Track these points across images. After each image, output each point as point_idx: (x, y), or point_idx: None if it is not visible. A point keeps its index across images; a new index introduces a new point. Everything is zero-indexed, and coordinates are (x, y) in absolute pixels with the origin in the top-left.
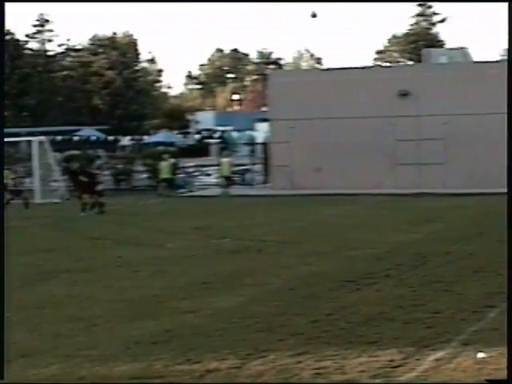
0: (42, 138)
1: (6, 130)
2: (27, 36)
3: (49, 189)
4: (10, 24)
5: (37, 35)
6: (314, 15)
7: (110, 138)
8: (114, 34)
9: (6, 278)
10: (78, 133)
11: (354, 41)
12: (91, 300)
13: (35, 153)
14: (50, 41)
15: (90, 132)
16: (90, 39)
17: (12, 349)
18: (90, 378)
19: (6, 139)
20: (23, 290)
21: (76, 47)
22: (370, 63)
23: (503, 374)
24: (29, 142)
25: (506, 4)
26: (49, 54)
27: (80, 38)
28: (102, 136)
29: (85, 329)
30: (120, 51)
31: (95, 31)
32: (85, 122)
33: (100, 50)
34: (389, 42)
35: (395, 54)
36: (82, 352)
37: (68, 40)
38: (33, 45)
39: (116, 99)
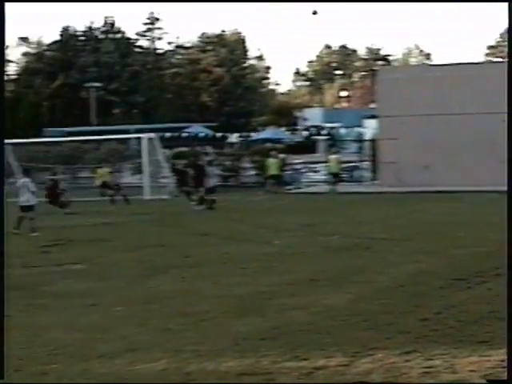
0: (152, 134)
1: (116, 128)
2: (137, 34)
3: (158, 185)
4: (121, 22)
5: (147, 33)
6: (314, 13)
7: (218, 134)
8: (223, 31)
9: (116, 272)
10: (186, 130)
11: (465, 36)
12: (199, 295)
13: (145, 150)
14: (159, 39)
15: (199, 129)
16: (199, 37)
17: (120, 343)
18: (197, 374)
19: (116, 136)
20: (132, 286)
21: (185, 45)
22: (482, 59)
23: None
24: (138, 138)
25: (506, 4)
26: (158, 51)
27: (189, 36)
28: (210, 133)
29: (193, 324)
30: (228, 48)
31: (204, 29)
32: (193, 118)
33: (209, 48)
34: (501, 37)
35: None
36: (189, 347)
37: (177, 38)
38: (143, 43)
39: (224, 96)
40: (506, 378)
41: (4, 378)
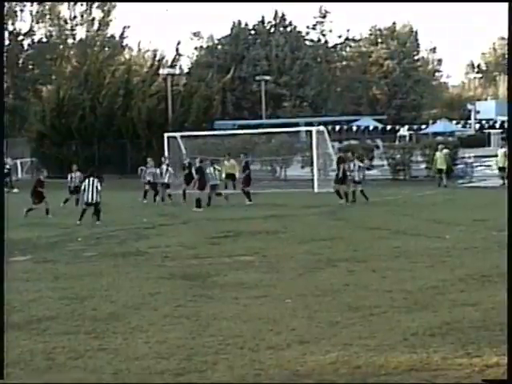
0: (321, 127)
1: (286, 121)
2: (308, 27)
3: (327, 178)
4: (291, 16)
5: (317, 26)
6: None
7: (388, 127)
8: (394, 24)
9: (285, 264)
10: (355, 123)
11: None
12: (368, 289)
13: (314, 142)
14: (329, 31)
15: (368, 122)
16: (370, 30)
17: (290, 335)
18: (366, 367)
19: (286, 129)
20: (303, 278)
21: (355, 38)
22: None
23: None
24: (308, 131)
25: (506, 4)
26: (328, 44)
27: (359, 29)
28: (380, 126)
29: (362, 318)
30: (399, 41)
31: (375, 22)
32: (363, 111)
33: (379, 40)
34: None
35: None
36: (359, 341)
37: (348, 31)
38: (313, 36)
39: (394, 89)
40: (506, 378)
41: (4, 377)
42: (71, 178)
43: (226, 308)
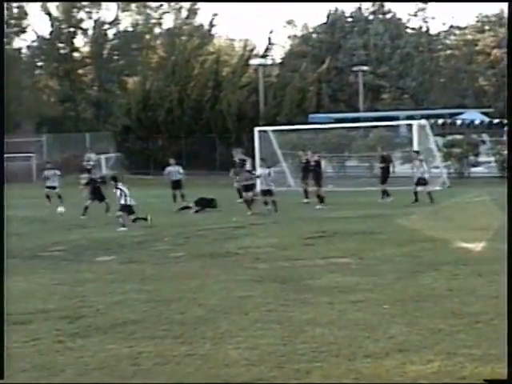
0: (423, 121)
1: (385, 114)
2: (409, 14)
3: (429, 175)
4: (391, 2)
5: (419, 13)
6: None
7: (495, 121)
8: (502, 10)
9: (384, 267)
10: (460, 116)
11: None
12: (473, 295)
13: (415, 137)
14: (432, 18)
15: (474, 115)
16: (476, 16)
17: (389, 343)
18: (471, 379)
19: (385, 123)
20: (402, 282)
21: (460, 25)
22: None
23: None
24: (409, 125)
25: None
26: (431, 32)
27: (465, 16)
28: (487, 119)
29: (467, 326)
30: None
31: (482, 9)
32: (468, 104)
33: (486, 28)
34: None
35: None
36: (463, 350)
37: (452, 17)
38: (414, 23)
39: (503, 80)
40: (506, 378)
41: (4, 377)
42: (168, 172)
43: (319, 313)
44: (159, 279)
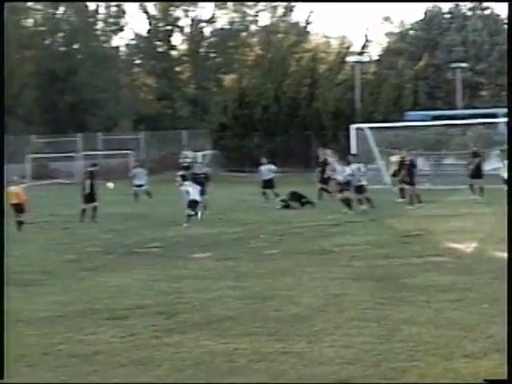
0: None
1: (483, 111)
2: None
3: None
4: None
5: None
6: None
7: None
8: None
9: (482, 266)
10: None
11: None
12: None
13: None
14: None
15: None
16: None
17: (487, 343)
18: None
19: (483, 120)
20: (499, 281)
21: None
22: None
23: None
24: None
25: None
26: None
27: None
28: None
29: None
30: None
31: None
32: None
33: None
34: None
35: None
36: None
37: None
38: None
39: None
40: (506, 378)
41: (4, 377)
42: (260, 171)
43: (416, 312)
44: (254, 276)
